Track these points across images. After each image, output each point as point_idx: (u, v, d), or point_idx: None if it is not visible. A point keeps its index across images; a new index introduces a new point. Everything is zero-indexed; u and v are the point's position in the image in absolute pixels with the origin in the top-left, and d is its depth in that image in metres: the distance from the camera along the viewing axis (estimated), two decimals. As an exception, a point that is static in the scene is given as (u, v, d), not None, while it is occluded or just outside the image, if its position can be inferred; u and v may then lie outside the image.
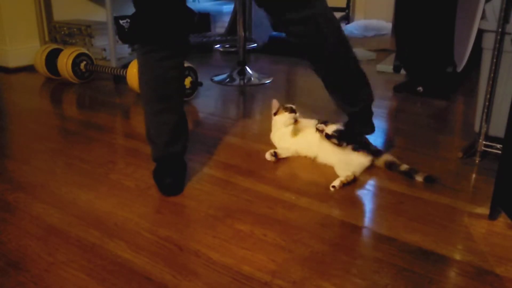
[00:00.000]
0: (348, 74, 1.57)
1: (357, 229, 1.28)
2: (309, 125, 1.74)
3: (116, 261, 1.13)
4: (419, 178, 1.54)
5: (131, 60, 2.46)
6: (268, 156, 1.69)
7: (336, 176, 1.53)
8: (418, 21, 2.48)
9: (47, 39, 3.04)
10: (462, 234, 1.25)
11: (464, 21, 2.00)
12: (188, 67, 2.37)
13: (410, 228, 1.28)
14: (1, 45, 2.97)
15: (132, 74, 2.39)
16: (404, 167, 1.57)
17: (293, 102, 1.81)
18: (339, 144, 1.59)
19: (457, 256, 1.16)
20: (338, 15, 4.10)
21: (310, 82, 2.83)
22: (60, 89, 2.64)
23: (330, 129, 1.61)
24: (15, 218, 1.32)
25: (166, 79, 1.41)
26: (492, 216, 1.32)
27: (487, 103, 1.63)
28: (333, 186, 1.48)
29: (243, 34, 2.80)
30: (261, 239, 1.22)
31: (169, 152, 1.48)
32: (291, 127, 1.72)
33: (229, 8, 3.85)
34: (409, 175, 1.55)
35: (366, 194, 1.48)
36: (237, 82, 2.78)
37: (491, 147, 1.66)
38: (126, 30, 2.90)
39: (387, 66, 3.02)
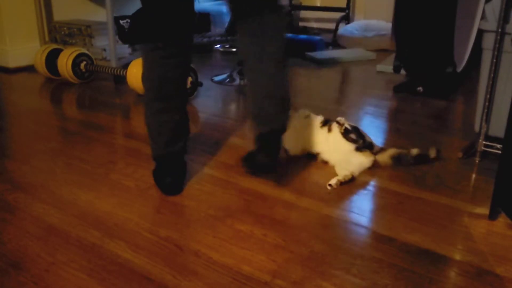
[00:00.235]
0: (275, 92, 1.43)
1: (357, 229, 1.28)
2: (314, 122, 1.74)
3: (116, 261, 1.14)
4: (432, 154, 1.63)
5: (131, 60, 2.46)
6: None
7: (336, 176, 1.53)
8: (418, 21, 2.48)
9: (47, 39, 3.04)
10: (462, 234, 1.25)
11: (464, 21, 2.00)
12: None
13: (410, 228, 1.28)
14: (1, 45, 2.97)
15: (132, 74, 2.39)
16: (415, 151, 1.60)
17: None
18: (355, 141, 1.59)
19: (457, 256, 1.16)
20: (338, 15, 4.10)
21: (310, 82, 2.83)
22: (60, 89, 2.64)
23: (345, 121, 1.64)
24: (15, 218, 1.32)
25: (169, 78, 1.41)
26: (492, 216, 1.32)
27: (487, 103, 1.63)
28: (330, 185, 1.49)
29: (243, 34, 2.80)
30: (261, 239, 1.23)
31: (169, 152, 1.48)
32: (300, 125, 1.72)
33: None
34: (423, 157, 1.62)
35: (366, 194, 1.48)
36: (237, 82, 2.78)
37: (491, 147, 1.66)
38: (127, 30, 2.90)
39: (387, 66, 3.02)
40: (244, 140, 1.89)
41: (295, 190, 1.48)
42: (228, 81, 2.79)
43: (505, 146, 1.29)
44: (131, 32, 2.74)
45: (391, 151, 1.63)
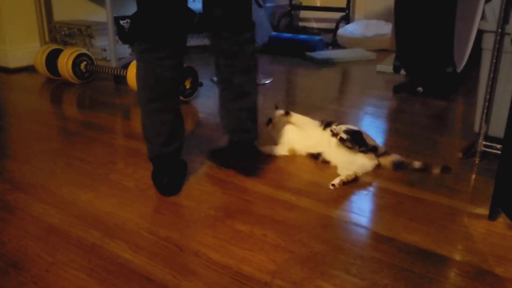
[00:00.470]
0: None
1: (357, 229, 1.28)
2: (311, 123, 1.74)
3: (116, 261, 1.14)
4: (436, 170, 1.59)
5: (131, 60, 2.47)
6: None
7: (337, 176, 1.53)
8: (418, 21, 2.48)
9: (47, 39, 3.04)
10: (462, 235, 1.25)
11: (464, 21, 2.00)
12: (188, 68, 2.37)
13: (410, 228, 1.28)
14: (1, 46, 2.97)
15: (132, 74, 2.39)
16: (418, 164, 1.59)
17: (278, 103, 1.83)
18: (351, 148, 1.58)
19: (457, 256, 1.16)
20: (338, 15, 4.10)
21: (310, 82, 2.84)
22: (60, 89, 2.64)
23: (340, 129, 1.62)
24: (15, 218, 1.32)
25: (164, 79, 1.41)
26: (492, 216, 1.32)
27: (486, 104, 1.63)
28: (333, 184, 1.49)
29: (243, 34, 2.80)
30: (261, 239, 1.23)
31: (165, 152, 1.47)
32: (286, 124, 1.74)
33: (229, 8, 3.85)
34: (425, 170, 1.59)
35: (366, 194, 1.48)
36: (237, 82, 2.78)
37: (490, 147, 1.66)
38: (127, 30, 2.89)
39: (387, 66, 3.02)
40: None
41: (295, 190, 1.48)
42: (228, 81, 2.78)
43: (504, 146, 1.29)
44: (131, 32, 2.74)
45: (394, 157, 1.63)
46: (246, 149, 1.59)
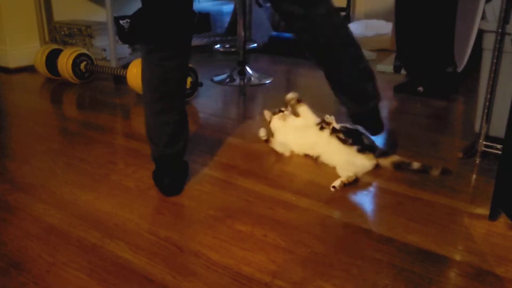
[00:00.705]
0: (354, 72, 1.57)
1: (357, 229, 1.28)
2: (311, 123, 1.74)
3: (116, 262, 1.14)
4: (435, 172, 1.57)
5: (131, 61, 2.46)
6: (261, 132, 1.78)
7: (337, 177, 1.53)
8: (419, 21, 2.48)
9: (47, 39, 3.04)
10: (462, 235, 1.25)
11: (464, 21, 2.00)
12: (189, 68, 2.37)
13: (410, 228, 1.28)
14: (1, 46, 2.97)
15: (132, 74, 2.39)
16: (417, 165, 1.58)
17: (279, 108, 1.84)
18: (344, 140, 1.58)
19: (457, 257, 1.16)
20: (338, 15, 4.10)
21: (310, 82, 2.83)
22: (60, 89, 2.64)
23: (333, 120, 1.63)
24: (16, 219, 1.32)
25: (167, 79, 1.41)
26: (492, 216, 1.32)
27: (487, 104, 1.63)
28: (334, 187, 1.48)
29: (243, 34, 2.80)
30: (261, 239, 1.23)
31: (168, 152, 1.48)
32: (289, 122, 1.74)
33: (229, 8, 3.85)
34: (424, 172, 1.58)
35: (366, 194, 1.48)
36: (237, 82, 2.78)
37: (491, 147, 1.66)
38: (127, 30, 2.89)
39: (387, 66, 3.02)
40: (244, 140, 1.89)
41: (295, 191, 1.48)
42: (228, 81, 2.79)
43: (505, 146, 1.29)
44: (131, 32, 2.75)
45: (394, 158, 1.63)
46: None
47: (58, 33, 2.99)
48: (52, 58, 2.72)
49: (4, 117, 2.19)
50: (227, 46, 3.69)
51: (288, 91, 1.91)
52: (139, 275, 1.09)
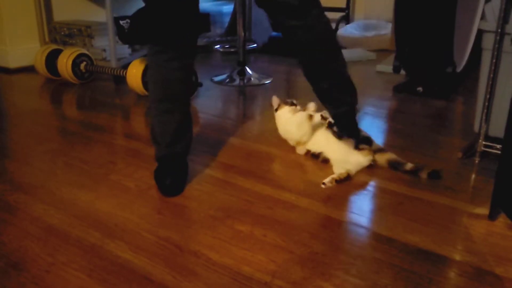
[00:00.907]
0: (335, 76, 1.58)
1: (357, 229, 1.29)
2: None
3: (116, 262, 1.14)
4: (423, 175, 1.56)
5: (131, 61, 2.47)
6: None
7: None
8: (418, 21, 2.48)
9: (47, 39, 3.04)
10: (462, 235, 1.25)
11: (464, 21, 2.00)
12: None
13: (409, 228, 1.28)
14: (1, 46, 2.97)
15: (132, 74, 2.39)
16: (409, 166, 1.58)
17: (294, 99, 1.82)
18: (338, 135, 1.59)
19: (457, 257, 1.16)
20: (338, 15, 4.10)
21: (310, 82, 2.83)
22: (60, 89, 2.64)
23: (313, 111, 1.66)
24: (16, 219, 1.32)
25: (172, 80, 1.43)
26: (492, 216, 1.32)
27: (486, 103, 1.63)
28: (324, 183, 1.48)
29: (243, 34, 2.80)
30: (261, 239, 1.23)
31: (171, 152, 1.48)
32: (297, 118, 1.72)
33: (229, 8, 3.85)
34: (414, 173, 1.57)
35: (366, 194, 1.48)
36: (237, 82, 2.78)
37: (490, 147, 1.66)
38: (126, 30, 2.89)
39: (387, 66, 3.02)
40: (244, 140, 1.89)
41: (295, 191, 1.48)
42: (228, 82, 2.79)
43: (504, 146, 1.29)
44: (131, 32, 2.75)
45: (390, 156, 1.63)
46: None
47: (58, 33, 2.99)
48: (52, 58, 2.72)
49: (4, 117, 2.19)
50: (227, 46, 3.69)
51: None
52: (139, 275, 1.09)
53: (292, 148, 1.78)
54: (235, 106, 2.44)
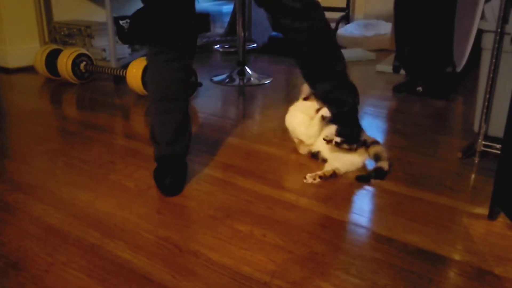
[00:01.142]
0: (336, 77, 1.56)
1: (356, 229, 1.28)
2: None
3: (115, 262, 1.14)
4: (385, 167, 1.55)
5: (131, 61, 2.47)
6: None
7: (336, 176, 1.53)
8: (418, 21, 2.48)
9: (47, 39, 3.04)
10: (462, 234, 1.25)
11: (464, 21, 2.00)
12: (188, 68, 2.37)
13: (409, 228, 1.28)
14: (1, 46, 2.97)
15: (132, 74, 2.39)
16: (383, 164, 1.56)
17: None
18: (350, 149, 1.57)
19: (457, 257, 1.16)
20: (338, 15, 4.10)
21: (309, 82, 2.83)
22: (60, 89, 2.64)
23: (332, 133, 1.59)
24: (15, 219, 1.32)
25: (171, 80, 1.43)
26: (491, 216, 1.32)
27: (486, 103, 1.63)
28: (305, 178, 1.48)
29: (242, 34, 2.80)
30: (261, 239, 1.23)
31: (170, 152, 1.49)
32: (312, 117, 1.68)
33: (228, 8, 3.85)
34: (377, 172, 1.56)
35: (366, 194, 1.48)
36: (236, 82, 2.78)
37: (490, 147, 1.66)
38: (126, 30, 2.90)
39: (386, 66, 3.02)
40: (243, 140, 1.89)
41: (295, 190, 1.48)
42: (228, 82, 2.79)
43: (504, 146, 1.29)
44: (131, 32, 2.75)
45: (375, 149, 1.60)
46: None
47: (58, 33, 2.99)
48: (51, 58, 2.72)
49: (3, 117, 2.19)
50: (227, 46, 3.69)
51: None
52: (139, 275, 1.09)
53: (292, 148, 1.78)
54: (234, 106, 2.44)
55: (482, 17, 1.64)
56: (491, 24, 1.58)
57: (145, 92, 2.37)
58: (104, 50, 2.81)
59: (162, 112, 1.46)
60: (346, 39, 3.76)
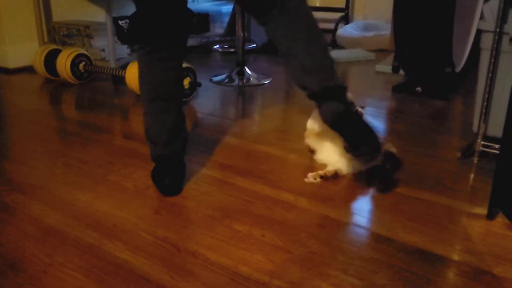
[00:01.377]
0: (321, 64, 1.46)
1: (355, 229, 1.28)
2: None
3: (114, 262, 1.13)
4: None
5: (130, 61, 2.47)
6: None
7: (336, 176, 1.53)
8: (417, 21, 2.48)
9: (46, 39, 3.04)
10: (460, 234, 1.25)
11: (463, 21, 2.00)
12: (187, 68, 2.37)
13: (408, 228, 1.28)
14: (1, 46, 2.97)
15: (131, 74, 2.39)
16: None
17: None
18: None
19: (455, 256, 1.16)
20: (337, 15, 4.10)
21: (309, 82, 2.83)
22: (59, 89, 2.64)
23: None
24: (14, 219, 1.32)
25: (165, 80, 1.42)
26: (490, 216, 1.32)
27: (485, 103, 1.63)
28: (307, 177, 1.48)
29: (242, 34, 2.80)
30: (259, 239, 1.23)
31: (168, 152, 1.48)
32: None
33: (228, 8, 3.85)
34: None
35: (365, 194, 1.48)
36: (236, 82, 2.78)
37: (489, 147, 1.66)
38: (125, 30, 2.90)
39: (386, 66, 3.02)
40: (242, 140, 1.89)
41: (294, 191, 1.48)
42: (227, 82, 2.79)
43: (503, 146, 1.29)
44: (130, 33, 2.75)
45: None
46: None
47: (57, 34, 2.99)
48: (51, 59, 2.72)
49: (2, 117, 2.18)
50: (226, 46, 3.69)
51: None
52: (137, 275, 1.09)
53: (292, 148, 1.78)
54: (234, 106, 2.44)
55: (481, 17, 1.64)
56: (490, 24, 1.58)
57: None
58: (103, 50, 2.81)
59: (157, 112, 1.45)
60: (345, 39, 3.76)
